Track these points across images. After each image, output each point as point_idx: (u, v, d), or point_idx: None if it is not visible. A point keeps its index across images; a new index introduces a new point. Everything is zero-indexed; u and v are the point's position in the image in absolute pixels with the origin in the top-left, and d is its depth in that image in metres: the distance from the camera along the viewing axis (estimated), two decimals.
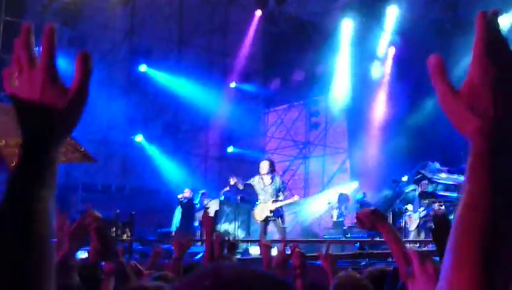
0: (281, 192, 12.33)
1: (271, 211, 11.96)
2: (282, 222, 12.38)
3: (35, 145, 1.13)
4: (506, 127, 0.99)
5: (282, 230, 12.35)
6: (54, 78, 1.16)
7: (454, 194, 12.62)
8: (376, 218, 3.53)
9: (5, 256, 1.06)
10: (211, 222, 5.27)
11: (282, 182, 13.15)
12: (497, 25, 1.03)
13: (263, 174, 12.44)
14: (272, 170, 12.66)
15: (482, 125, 0.98)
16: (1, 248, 1.06)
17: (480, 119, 0.98)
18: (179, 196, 15.92)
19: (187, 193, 15.86)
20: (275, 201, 12.10)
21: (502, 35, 1.02)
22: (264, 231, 12.21)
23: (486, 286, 0.93)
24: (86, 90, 1.19)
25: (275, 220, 12.09)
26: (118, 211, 14.17)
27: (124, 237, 13.63)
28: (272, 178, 12.43)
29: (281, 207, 12.27)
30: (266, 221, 12.15)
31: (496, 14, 1.03)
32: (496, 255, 0.95)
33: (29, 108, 1.14)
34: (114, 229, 13.38)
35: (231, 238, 8.26)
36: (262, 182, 12.37)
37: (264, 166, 12.43)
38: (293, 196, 13.82)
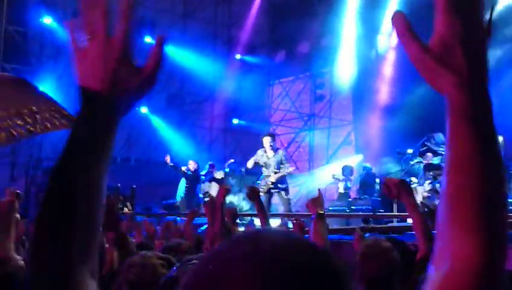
0: (282, 164, 12.50)
1: (272, 183, 12.14)
2: (286, 193, 12.51)
3: (94, 121, 1.09)
4: (480, 78, 1.00)
5: (287, 202, 12.50)
6: (130, 54, 1.11)
7: None
8: (403, 189, 3.46)
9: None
10: (224, 195, 5.39)
11: (285, 155, 13.28)
12: None
13: (266, 148, 12.69)
14: (275, 144, 13.01)
15: (458, 79, 0.99)
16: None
17: (455, 73, 1.00)
18: (183, 168, 15.83)
19: (191, 165, 15.80)
20: (276, 173, 12.45)
21: None
22: (268, 203, 12.24)
23: (493, 252, 0.94)
24: (157, 74, 1.14)
25: (279, 192, 12.29)
26: (118, 185, 14.39)
27: (126, 210, 13.90)
28: (275, 151, 12.70)
29: (284, 179, 12.41)
30: (270, 193, 12.30)
31: None
32: (497, 215, 0.96)
33: (97, 81, 1.08)
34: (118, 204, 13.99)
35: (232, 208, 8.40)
36: (266, 156, 12.61)
37: (266, 140, 12.69)
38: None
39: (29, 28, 18.30)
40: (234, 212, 6.30)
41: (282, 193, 12.40)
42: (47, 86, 16.06)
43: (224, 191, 5.63)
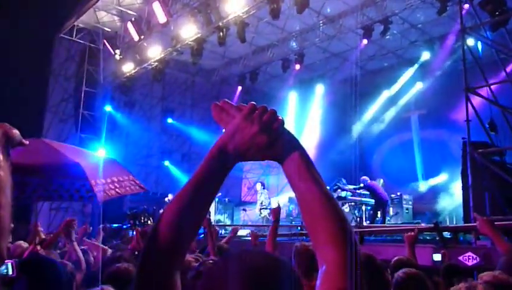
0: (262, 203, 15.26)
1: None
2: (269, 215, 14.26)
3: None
4: (291, 151, 1.17)
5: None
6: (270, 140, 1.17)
7: (357, 198, 14.39)
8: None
9: None
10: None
11: (265, 198, 15.64)
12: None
13: (258, 190, 15.72)
14: (261, 188, 15.78)
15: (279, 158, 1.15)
16: None
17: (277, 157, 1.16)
18: (166, 199, 16.82)
19: (169, 197, 16.53)
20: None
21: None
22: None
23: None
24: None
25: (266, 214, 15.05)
26: (145, 206, 16.18)
27: (149, 222, 15.41)
28: (261, 194, 15.52)
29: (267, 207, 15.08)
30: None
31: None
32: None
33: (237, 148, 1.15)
34: (142, 217, 15.79)
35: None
36: (257, 195, 15.64)
37: (257, 186, 15.95)
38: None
39: (97, 112, 19.96)
40: (216, 233, 6.20)
41: (268, 216, 14.80)
42: (107, 148, 17.96)
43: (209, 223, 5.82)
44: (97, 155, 6.82)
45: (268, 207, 14.93)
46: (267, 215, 14.67)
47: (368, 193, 13.84)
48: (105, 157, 6.94)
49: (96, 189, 4.76)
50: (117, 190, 5.03)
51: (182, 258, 1.13)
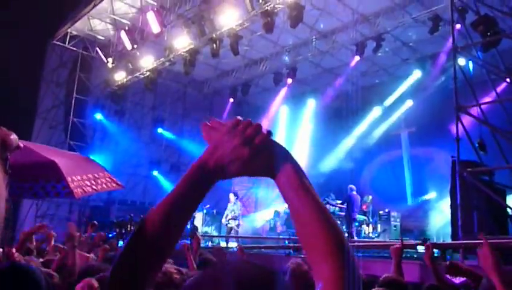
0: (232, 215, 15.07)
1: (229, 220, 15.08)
2: (237, 227, 15.16)
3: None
4: (283, 164, 1.09)
5: (236, 233, 15.14)
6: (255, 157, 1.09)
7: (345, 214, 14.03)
8: None
9: None
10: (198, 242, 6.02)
11: (236, 209, 15.43)
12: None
13: (231, 200, 15.33)
14: (235, 200, 15.41)
15: (271, 173, 1.08)
16: None
17: (269, 173, 1.09)
18: None
19: None
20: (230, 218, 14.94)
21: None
22: (229, 231, 14.89)
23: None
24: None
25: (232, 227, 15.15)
26: (132, 214, 16.20)
27: None
28: (233, 204, 15.23)
29: (236, 219, 15.22)
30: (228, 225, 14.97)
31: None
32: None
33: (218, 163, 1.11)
34: (128, 226, 15.71)
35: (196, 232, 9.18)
36: (230, 205, 15.31)
37: (230, 196, 15.46)
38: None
39: (87, 120, 20.00)
40: (199, 241, 6.15)
41: (235, 227, 14.94)
42: (96, 156, 17.04)
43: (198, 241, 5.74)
44: (72, 153, 6.89)
45: (238, 218, 15.12)
46: (235, 227, 14.87)
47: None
48: (80, 155, 6.95)
49: (73, 185, 4.73)
50: (93, 186, 5.01)
51: (153, 275, 1.08)
